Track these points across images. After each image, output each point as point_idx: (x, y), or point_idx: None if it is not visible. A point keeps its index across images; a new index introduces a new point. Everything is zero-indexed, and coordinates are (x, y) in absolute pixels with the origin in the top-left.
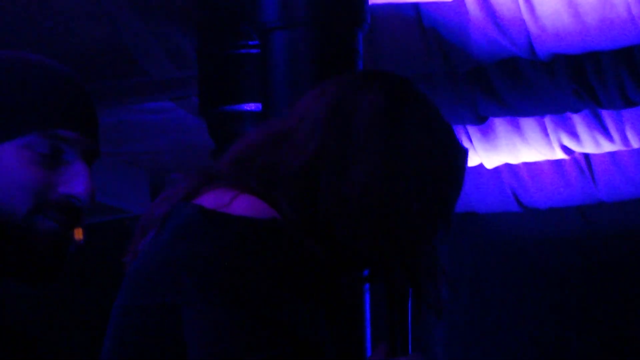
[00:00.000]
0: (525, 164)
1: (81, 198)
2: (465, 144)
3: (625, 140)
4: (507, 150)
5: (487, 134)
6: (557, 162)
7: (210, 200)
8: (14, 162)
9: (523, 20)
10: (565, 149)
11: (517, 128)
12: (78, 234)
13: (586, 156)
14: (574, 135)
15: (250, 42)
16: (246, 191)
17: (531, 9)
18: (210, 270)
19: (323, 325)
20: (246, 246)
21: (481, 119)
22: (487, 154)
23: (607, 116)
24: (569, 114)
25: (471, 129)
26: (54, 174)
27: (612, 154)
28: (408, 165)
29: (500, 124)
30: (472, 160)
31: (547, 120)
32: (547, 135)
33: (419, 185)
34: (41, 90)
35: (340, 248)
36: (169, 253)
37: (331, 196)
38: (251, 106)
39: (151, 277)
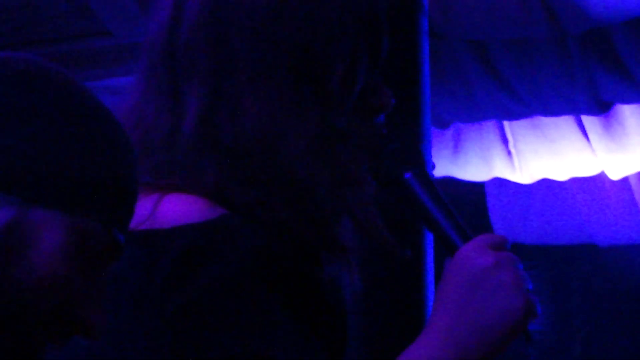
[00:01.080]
0: None
1: (92, 332)
2: (580, 142)
3: None
4: None
5: (612, 127)
6: None
7: None
8: (59, 248)
9: None
10: None
11: None
12: None
13: None
14: None
15: None
16: (169, 186)
17: None
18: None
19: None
20: (195, 268)
21: (603, 106)
22: (611, 158)
23: None
24: None
25: (588, 121)
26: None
27: None
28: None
29: (630, 114)
30: (590, 168)
31: None
32: None
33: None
34: (117, 163)
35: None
36: None
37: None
38: None
39: None
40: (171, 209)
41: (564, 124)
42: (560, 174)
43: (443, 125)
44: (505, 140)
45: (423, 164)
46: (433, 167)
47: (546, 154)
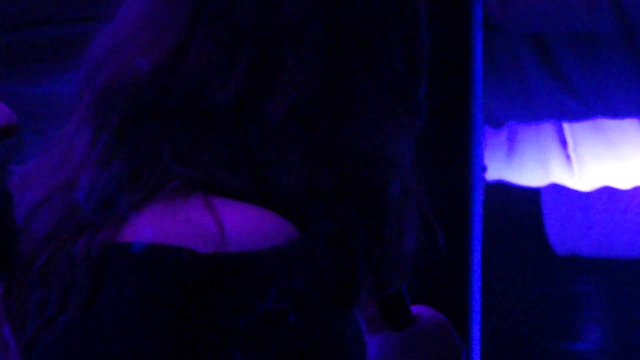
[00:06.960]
0: None
1: None
2: None
3: None
4: None
5: None
6: None
7: (149, 220)
8: None
9: None
10: None
11: None
12: None
13: None
14: None
15: None
16: (190, 181)
17: None
18: None
19: None
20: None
21: None
22: None
23: None
24: None
25: None
26: None
27: None
28: (356, 54)
29: None
30: None
31: None
32: None
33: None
34: None
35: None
36: None
37: (254, 129)
38: None
39: None
40: (238, 225)
41: (629, 127)
42: (623, 182)
43: (497, 124)
44: (564, 143)
45: None
46: (484, 169)
47: (608, 160)
